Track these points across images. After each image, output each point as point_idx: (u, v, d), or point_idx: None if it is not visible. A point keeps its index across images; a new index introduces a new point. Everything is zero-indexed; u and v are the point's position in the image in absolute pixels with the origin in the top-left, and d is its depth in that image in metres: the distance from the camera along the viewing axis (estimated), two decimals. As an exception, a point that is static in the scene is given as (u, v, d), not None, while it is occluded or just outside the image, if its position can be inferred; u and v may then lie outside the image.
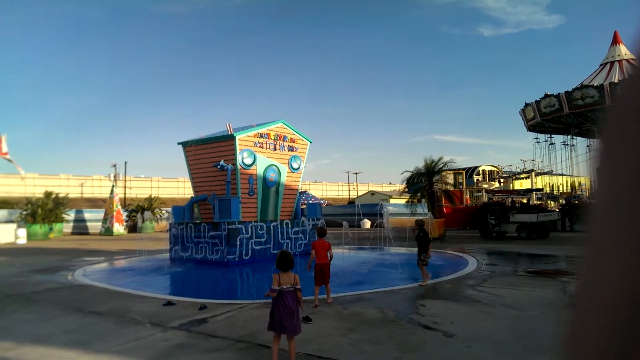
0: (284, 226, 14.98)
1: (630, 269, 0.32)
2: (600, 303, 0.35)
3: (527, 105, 29.72)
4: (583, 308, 0.37)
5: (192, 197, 15.69)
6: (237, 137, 13.81)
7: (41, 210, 29.60)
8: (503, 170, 44.02)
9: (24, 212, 29.94)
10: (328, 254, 8.12)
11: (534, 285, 9.27)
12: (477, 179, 42.80)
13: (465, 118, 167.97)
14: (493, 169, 46.20)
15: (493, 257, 14.32)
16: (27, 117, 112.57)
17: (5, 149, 27.80)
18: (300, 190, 16.99)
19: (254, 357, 5.29)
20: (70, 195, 39.37)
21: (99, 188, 66.31)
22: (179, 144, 15.63)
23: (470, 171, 43.18)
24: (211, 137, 14.98)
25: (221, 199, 13.57)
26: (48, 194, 31.29)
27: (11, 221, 29.82)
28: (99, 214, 36.70)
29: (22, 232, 26.70)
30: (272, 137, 15.06)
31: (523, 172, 39.99)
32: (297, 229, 15.38)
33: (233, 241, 13.13)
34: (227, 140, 14.05)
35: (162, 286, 10.46)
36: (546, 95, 27.71)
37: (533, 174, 37.52)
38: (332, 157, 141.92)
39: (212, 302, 8.09)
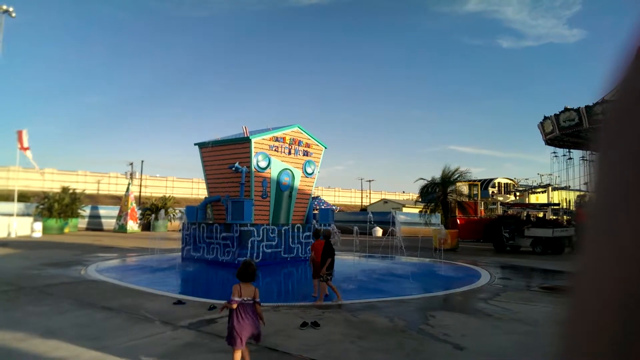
0: (296, 230, 14.98)
1: (628, 267, 0.32)
2: (598, 302, 0.34)
3: (546, 118, 29.31)
4: (581, 307, 0.37)
5: (205, 197, 15.79)
6: (253, 140, 13.88)
7: (57, 205, 30.06)
8: (519, 183, 43.57)
9: (41, 206, 30.45)
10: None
11: (548, 301, 9.08)
12: (493, 192, 42.40)
13: (483, 129, 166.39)
14: (509, 182, 45.77)
15: (506, 271, 14.11)
16: (48, 113, 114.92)
17: (26, 143, 28.40)
18: (313, 196, 16.98)
19: (263, 359, 5.27)
20: (87, 192, 40.06)
21: (115, 185, 67.18)
22: (195, 144, 15.77)
23: (486, 183, 42.80)
24: (227, 139, 15.09)
25: (234, 200, 13.62)
26: (65, 189, 31.80)
27: (28, 214, 30.35)
28: (114, 210, 37.17)
29: (38, 226, 27.12)
30: (288, 141, 15.10)
31: (540, 186, 39.51)
32: (308, 233, 15.34)
33: (244, 243, 13.17)
34: (242, 143, 14.12)
35: (173, 285, 10.53)
36: (566, 109, 27.32)
37: (550, 188, 37.02)
38: (347, 163, 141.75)
39: (221, 303, 8.07)
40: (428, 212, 24.42)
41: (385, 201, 58.12)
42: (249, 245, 13.25)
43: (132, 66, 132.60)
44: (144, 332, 6.27)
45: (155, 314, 7.24)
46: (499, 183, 45.78)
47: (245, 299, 4.58)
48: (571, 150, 33.48)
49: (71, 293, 8.94)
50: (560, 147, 33.08)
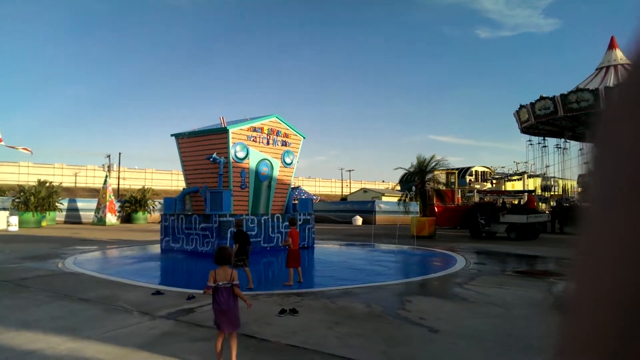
0: (275, 220, 15.01)
1: (623, 267, 0.33)
2: (594, 301, 0.35)
3: (521, 107, 29.83)
4: (576, 307, 0.38)
5: (184, 188, 15.70)
6: (231, 131, 13.80)
7: (34, 199, 29.46)
8: (495, 171, 44.29)
9: (17, 200, 29.79)
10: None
11: (521, 285, 9.36)
12: (470, 180, 43.04)
13: (461, 119, 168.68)
14: (486, 170, 46.44)
15: (482, 256, 14.44)
16: (24, 106, 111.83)
17: (-1, 135, 27.70)
18: (292, 186, 17.03)
19: (239, 347, 5.33)
20: (64, 185, 39.30)
21: (92, 178, 65.96)
22: (172, 135, 15.60)
23: (463, 172, 43.41)
24: (204, 130, 14.98)
25: (213, 191, 13.57)
26: (41, 183, 31.14)
27: (4, 208, 29.66)
28: (92, 203, 36.57)
29: (14, 220, 26.54)
30: (266, 132, 15.06)
31: (515, 174, 40.24)
32: (287, 223, 15.42)
33: (223, 233, 13.15)
34: (220, 133, 14.04)
35: (152, 276, 10.47)
36: (541, 98, 27.84)
37: (525, 176, 37.74)
38: (327, 153, 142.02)
39: (200, 293, 8.07)
40: (406, 201, 24.70)
41: (365, 190, 58.42)
42: (228, 235, 13.23)
43: (110, 58, 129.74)
44: (121, 322, 6.26)
45: (134, 305, 7.23)
46: (476, 171, 46.45)
47: (221, 283, 4.62)
48: (546, 138, 34.19)
49: (48, 285, 8.84)
50: (535, 135, 33.76)
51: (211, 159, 13.75)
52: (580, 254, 0.38)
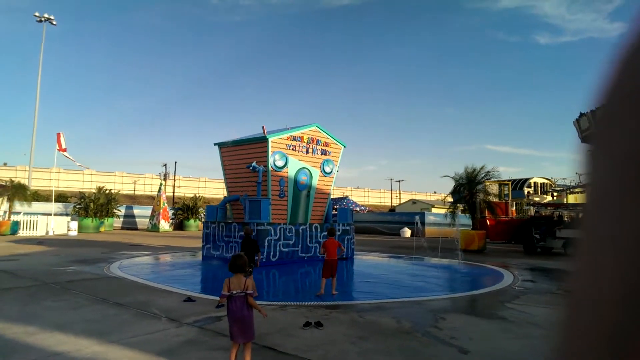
0: (313, 230, 14.91)
1: (624, 264, 0.32)
2: (595, 301, 0.34)
3: (582, 115, 28.12)
4: (577, 305, 0.36)
5: (225, 197, 15.99)
6: (270, 139, 13.90)
7: (93, 205, 31.16)
8: (557, 183, 42.03)
9: (78, 206, 31.63)
10: (338, 251, 9.10)
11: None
12: (528, 192, 41.08)
13: (519, 128, 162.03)
14: (546, 181, 44.20)
15: (532, 273, 13.58)
16: (87, 117, 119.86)
17: (64, 145, 29.61)
18: (340, 196, 16.87)
19: (258, 358, 5.24)
20: (124, 192, 41.38)
21: (150, 186, 69.14)
22: (215, 144, 15.95)
23: (521, 183, 41.56)
24: (245, 139, 15.18)
25: (252, 199, 13.69)
26: (100, 190, 32.92)
27: (66, 214, 31.62)
28: (148, 210, 38.19)
29: (74, 225, 28.19)
30: (305, 141, 15.04)
31: (579, 186, 37.99)
32: (326, 233, 15.29)
33: (261, 242, 13.19)
34: (260, 142, 14.17)
35: (188, 282, 10.64)
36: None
37: (589, 188, 35.56)
38: (377, 163, 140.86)
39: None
40: (455, 212, 23.81)
41: (414, 202, 57.18)
42: (266, 244, 13.28)
43: (168, 70, 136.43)
44: (149, 328, 6.36)
45: (164, 311, 7.34)
46: (534, 183, 44.32)
47: (234, 292, 4.54)
48: (609, 148, 32.06)
49: (90, 289, 9.19)
50: (597, 144, 31.76)
51: (251, 168, 13.91)
52: (581, 254, 0.37)
